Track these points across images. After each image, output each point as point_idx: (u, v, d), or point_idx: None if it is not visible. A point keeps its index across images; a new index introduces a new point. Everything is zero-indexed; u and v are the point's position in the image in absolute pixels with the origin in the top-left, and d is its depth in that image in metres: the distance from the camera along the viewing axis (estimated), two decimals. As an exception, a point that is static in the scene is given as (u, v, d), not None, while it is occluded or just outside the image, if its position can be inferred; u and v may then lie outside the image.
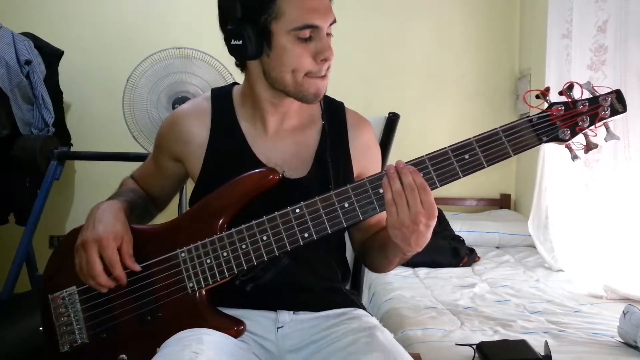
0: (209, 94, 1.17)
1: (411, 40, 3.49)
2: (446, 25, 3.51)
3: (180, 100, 2.55)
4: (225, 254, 0.98)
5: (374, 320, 1.06)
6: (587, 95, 0.92)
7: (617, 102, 0.91)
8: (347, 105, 1.20)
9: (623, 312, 1.57)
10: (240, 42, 1.00)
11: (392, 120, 1.37)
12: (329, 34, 1.03)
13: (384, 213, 0.92)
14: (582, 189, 2.33)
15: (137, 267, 1.00)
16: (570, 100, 0.92)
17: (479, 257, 2.75)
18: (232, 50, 1.03)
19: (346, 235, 1.21)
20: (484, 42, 3.52)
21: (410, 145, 3.06)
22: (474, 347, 1.44)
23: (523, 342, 1.46)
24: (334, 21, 1.03)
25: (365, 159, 1.15)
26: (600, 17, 2.23)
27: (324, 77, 1.03)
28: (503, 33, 3.54)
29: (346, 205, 0.94)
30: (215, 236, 0.99)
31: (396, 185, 0.89)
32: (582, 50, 2.32)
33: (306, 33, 0.99)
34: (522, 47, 3.51)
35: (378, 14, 3.42)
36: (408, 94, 3.44)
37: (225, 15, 1.04)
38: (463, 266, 2.62)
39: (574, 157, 0.94)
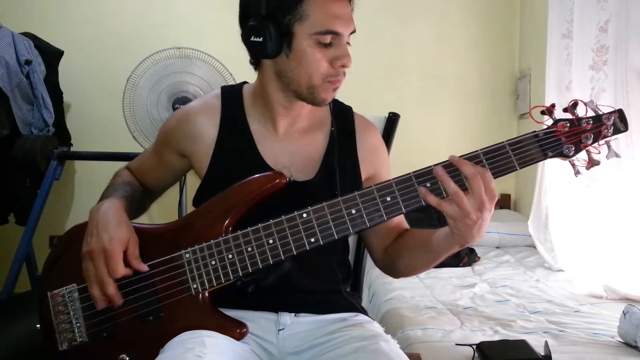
0: (218, 91, 1.17)
1: (411, 40, 3.49)
2: (446, 26, 3.51)
3: (180, 100, 2.55)
4: (230, 256, 0.98)
5: (377, 328, 1.05)
6: (590, 113, 0.95)
7: (620, 121, 0.94)
8: (347, 104, 1.20)
9: (623, 312, 1.57)
10: (261, 39, 1.00)
11: (392, 120, 1.37)
12: (347, 43, 1.04)
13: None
14: (583, 189, 2.32)
15: (144, 268, 1.00)
16: (574, 117, 0.95)
17: (479, 257, 2.75)
18: (251, 46, 1.03)
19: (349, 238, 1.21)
20: (484, 42, 3.52)
21: (410, 145, 3.07)
22: (474, 347, 1.44)
23: (523, 342, 1.45)
24: (354, 31, 1.04)
25: (374, 161, 1.15)
26: (602, 17, 2.23)
27: (338, 82, 1.04)
28: (503, 33, 3.54)
29: (353, 211, 0.94)
30: (220, 238, 0.99)
31: (468, 170, 0.89)
32: (583, 50, 2.32)
33: (327, 38, 0.99)
34: (522, 47, 3.51)
35: (378, 14, 3.41)
36: (408, 94, 3.44)
37: (247, 11, 1.04)
38: (463, 266, 2.62)
39: (577, 172, 0.97)
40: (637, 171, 2.08)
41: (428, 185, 0.93)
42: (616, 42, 2.17)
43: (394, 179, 0.95)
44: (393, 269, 1.13)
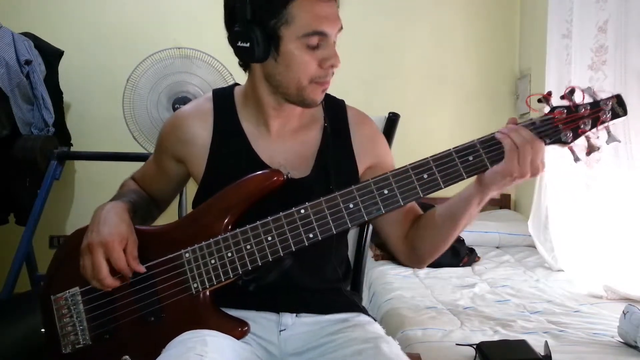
0: (210, 94, 1.17)
1: (411, 41, 3.49)
2: (446, 26, 3.51)
3: (180, 100, 2.55)
4: (229, 254, 0.98)
5: (378, 329, 1.05)
6: (588, 99, 0.94)
7: (618, 106, 0.93)
8: (340, 98, 1.20)
9: (623, 312, 1.57)
10: (248, 44, 1.00)
11: (392, 120, 1.37)
12: (334, 41, 1.03)
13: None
14: (583, 188, 2.33)
15: (142, 269, 1.00)
16: (572, 104, 0.94)
17: (479, 257, 2.75)
18: (238, 51, 1.03)
19: (349, 234, 1.20)
20: (484, 42, 3.52)
21: (410, 145, 3.06)
22: (474, 347, 1.44)
23: (523, 342, 1.45)
24: (341, 28, 1.04)
25: (372, 150, 1.15)
26: (601, 17, 2.23)
27: (327, 83, 1.04)
28: (503, 33, 3.54)
29: (351, 205, 0.94)
30: (219, 236, 0.99)
31: (520, 137, 0.90)
32: (582, 51, 2.32)
33: (315, 40, 0.99)
34: (522, 47, 3.51)
35: (378, 15, 3.42)
36: (408, 94, 3.44)
37: (233, 16, 1.03)
38: (463, 266, 2.62)
39: (576, 159, 0.95)
40: (636, 171, 2.08)
41: (425, 177, 0.93)
42: (615, 42, 2.17)
43: (391, 171, 0.95)
44: (416, 256, 1.11)
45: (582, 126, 0.92)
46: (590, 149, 0.94)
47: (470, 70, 3.52)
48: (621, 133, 2.02)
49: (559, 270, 2.48)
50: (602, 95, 0.94)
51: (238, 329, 0.99)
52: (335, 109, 1.17)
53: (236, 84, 1.20)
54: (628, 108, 0.94)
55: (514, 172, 0.90)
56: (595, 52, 2.25)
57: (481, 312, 1.89)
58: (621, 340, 1.56)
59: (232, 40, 1.02)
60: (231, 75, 2.53)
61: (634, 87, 2.09)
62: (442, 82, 3.50)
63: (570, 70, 2.40)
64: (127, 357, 0.99)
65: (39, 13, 3.28)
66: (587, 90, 0.93)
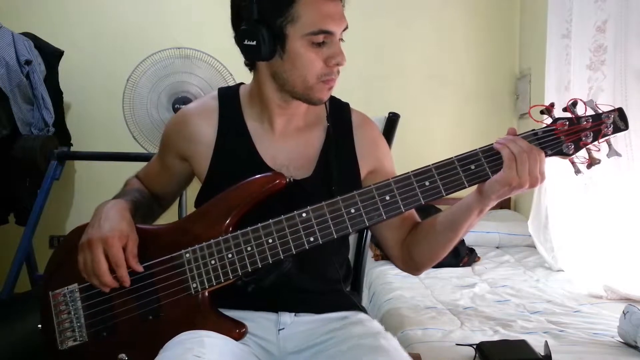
0: (215, 93, 1.17)
1: (411, 41, 3.49)
2: (446, 26, 3.51)
3: (180, 100, 2.56)
4: (230, 255, 0.98)
5: (377, 326, 1.06)
6: (590, 112, 0.95)
7: (620, 120, 0.94)
8: (345, 101, 1.20)
9: (623, 312, 1.57)
10: (254, 42, 1.01)
11: (392, 120, 1.37)
12: (340, 39, 1.04)
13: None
14: (582, 189, 2.32)
15: (139, 268, 1.00)
16: (574, 116, 0.94)
17: (479, 257, 2.75)
18: (245, 50, 1.04)
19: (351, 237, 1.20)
20: (484, 42, 3.52)
21: (410, 145, 3.08)
22: (474, 347, 1.44)
23: (523, 342, 1.46)
24: (346, 27, 1.04)
25: (374, 154, 1.15)
26: (600, 17, 2.23)
27: (332, 81, 1.04)
28: (503, 33, 3.54)
29: (352, 210, 0.95)
30: (220, 237, 0.99)
31: (517, 147, 0.91)
32: (581, 50, 2.32)
33: (320, 38, 1.00)
34: (522, 47, 3.51)
35: (378, 14, 3.42)
36: (408, 94, 3.44)
37: (239, 15, 1.04)
38: (463, 266, 2.62)
39: (577, 171, 0.96)
40: (636, 171, 2.08)
41: (427, 184, 0.94)
42: (615, 42, 2.17)
43: (393, 178, 0.96)
44: (412, 262, 1.11)
45: (583, 138, 0.93)
46: (592, 162, 0.95)
47: (470, 70, 3.52)
48: (621, 133, 2.02)
49: (559, 270, 2.48)
50: (604, 108, 0.95)
51: (236, 330, 0.99)
52: (339, 111, 1.17)
53: (241, 84, 1.20)
54: (627, 108, 0.94)
55: (513, 182, 0.91)
56: (594, 52, 2.25)
57: (481, 312, 1.89)
58: (621, 340, 1.56)
59: (239, 39, 1.03)
60: (231, 75, 2.53)
61: (633, 87, 2.09)
62: (442, 82, 3.50)
63: (570, 70, 2.40)
64: (123, 355, 0.99)
65: (39, 13, 3.28)
66: (589, 103, 0.94)
